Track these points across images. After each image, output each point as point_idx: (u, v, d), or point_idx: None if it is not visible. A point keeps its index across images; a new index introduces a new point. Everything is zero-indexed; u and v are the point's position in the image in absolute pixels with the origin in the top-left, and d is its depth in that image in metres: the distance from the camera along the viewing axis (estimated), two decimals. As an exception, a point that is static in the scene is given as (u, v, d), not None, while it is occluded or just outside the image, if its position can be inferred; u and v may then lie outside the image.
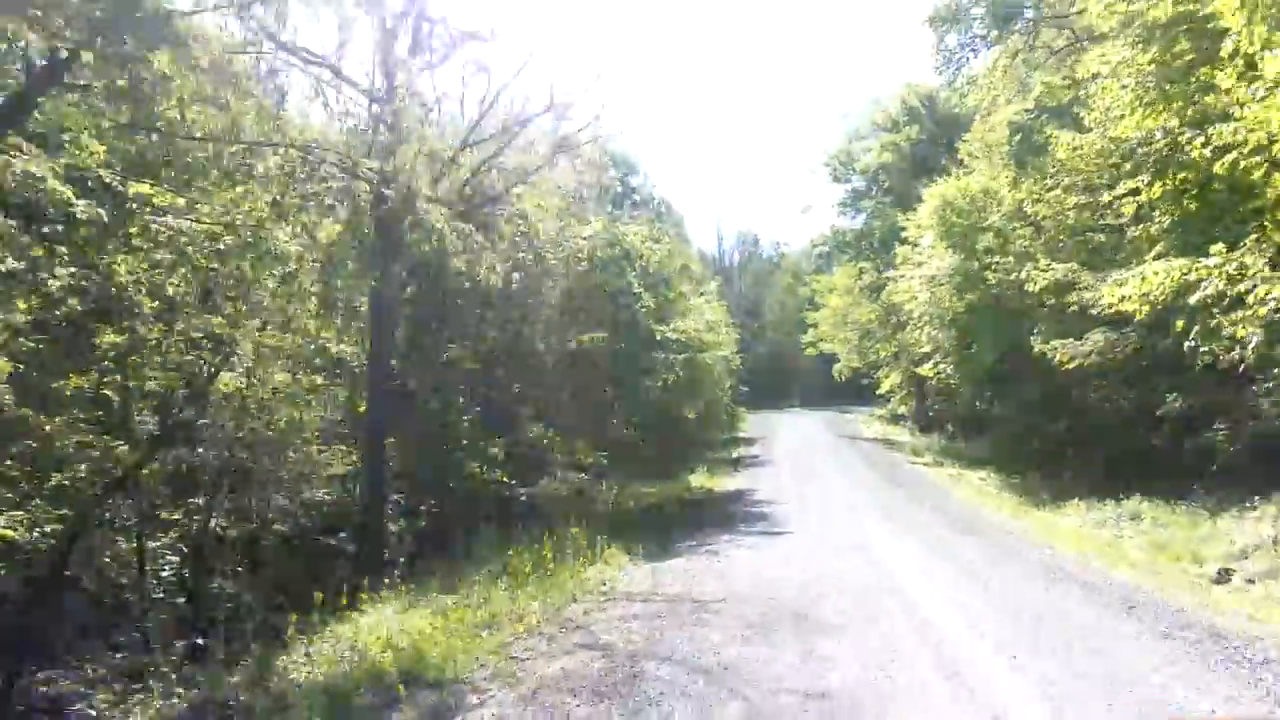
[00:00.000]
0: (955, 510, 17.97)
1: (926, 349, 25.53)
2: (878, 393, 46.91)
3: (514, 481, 18.13)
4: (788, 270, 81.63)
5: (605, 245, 20.92)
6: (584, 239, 19.55)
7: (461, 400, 18.54)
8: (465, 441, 17.70)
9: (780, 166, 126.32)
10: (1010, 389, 24.09)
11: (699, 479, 24.42)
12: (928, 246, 25.41)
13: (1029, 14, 24.39)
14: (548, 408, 20.34)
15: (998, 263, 21.52)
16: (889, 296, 28.93)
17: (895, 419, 48.81)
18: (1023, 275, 19.60)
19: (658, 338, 22.98)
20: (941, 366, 25.47)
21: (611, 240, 21.37)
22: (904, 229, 29.20)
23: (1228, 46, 10.03)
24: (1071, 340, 17.95)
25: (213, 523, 11.18)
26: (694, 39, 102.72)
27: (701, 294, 40.84)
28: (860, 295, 44.55)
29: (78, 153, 8.14)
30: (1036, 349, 18.82)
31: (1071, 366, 18.14)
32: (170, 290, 9.39)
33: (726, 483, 24.27)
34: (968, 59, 26.60)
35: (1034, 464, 23.63)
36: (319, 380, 13.97)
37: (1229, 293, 10.55)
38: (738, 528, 16.12)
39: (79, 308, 8.32)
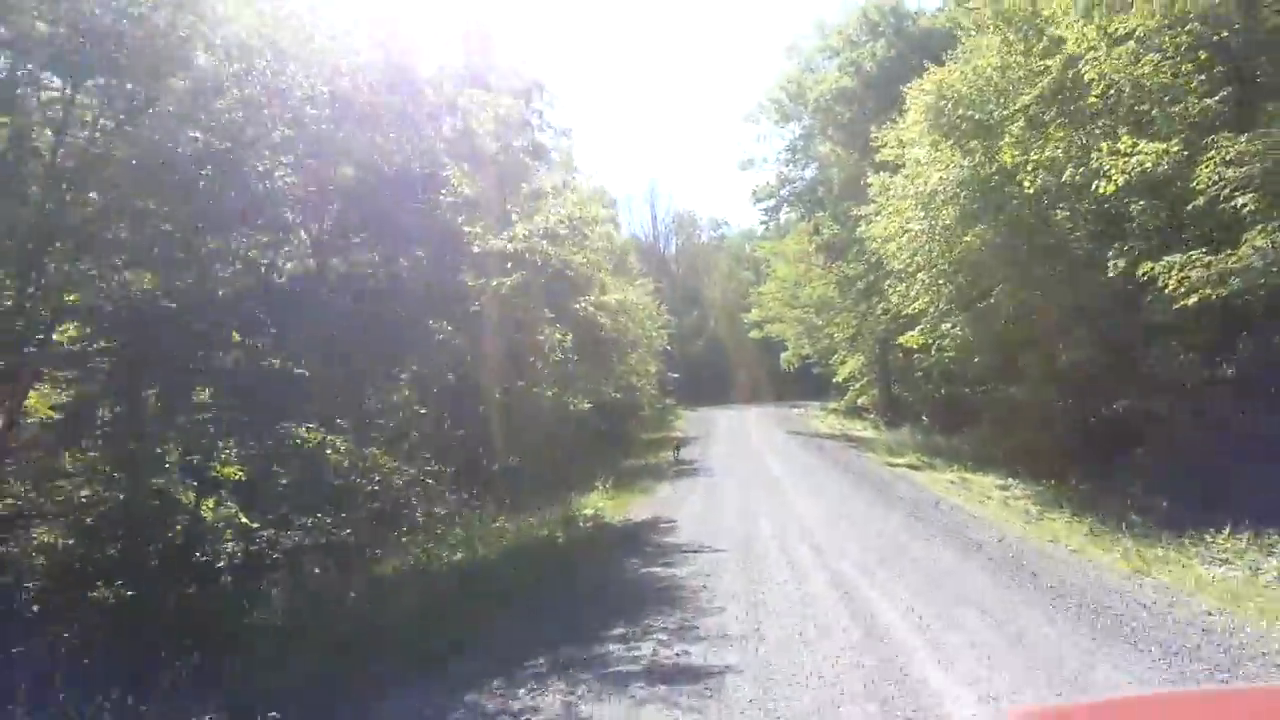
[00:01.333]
0: (1028, 559, 10.20)
1: (920, 305, 17.91)
2: (835, 381, 39.65)
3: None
4: (729, 253, 74.35)
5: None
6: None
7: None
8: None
9: (720, 144, 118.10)
10: (1032, 360, 16.81)
11: (598, 500, 16.46)
12: (916, 160, 17.84)
13: None
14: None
15: (1033, 162, 14.09)
16: (869, 239, 21.36)
17: (853, 412, 41.67)
18: (1092, 164, 12.16)
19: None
20: (942, 330, 17.90)
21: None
22: (867, 178, 21.96)
23: None
24: (1201, 255, 10.53)
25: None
26: (627, 12, 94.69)
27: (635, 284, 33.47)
28: (814, 261, 37.27)
29: None
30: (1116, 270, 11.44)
31: (1192, 302, 10.77)
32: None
33: (636, 505, 16.34)
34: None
35: (1069, 466, 16.43)
36: None
37: None
38: (608, 634, 7.68)
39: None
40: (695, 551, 11.08)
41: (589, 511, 15.16)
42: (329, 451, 11.81)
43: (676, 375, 42.99)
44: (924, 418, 31.07)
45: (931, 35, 27.57)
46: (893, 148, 20.00)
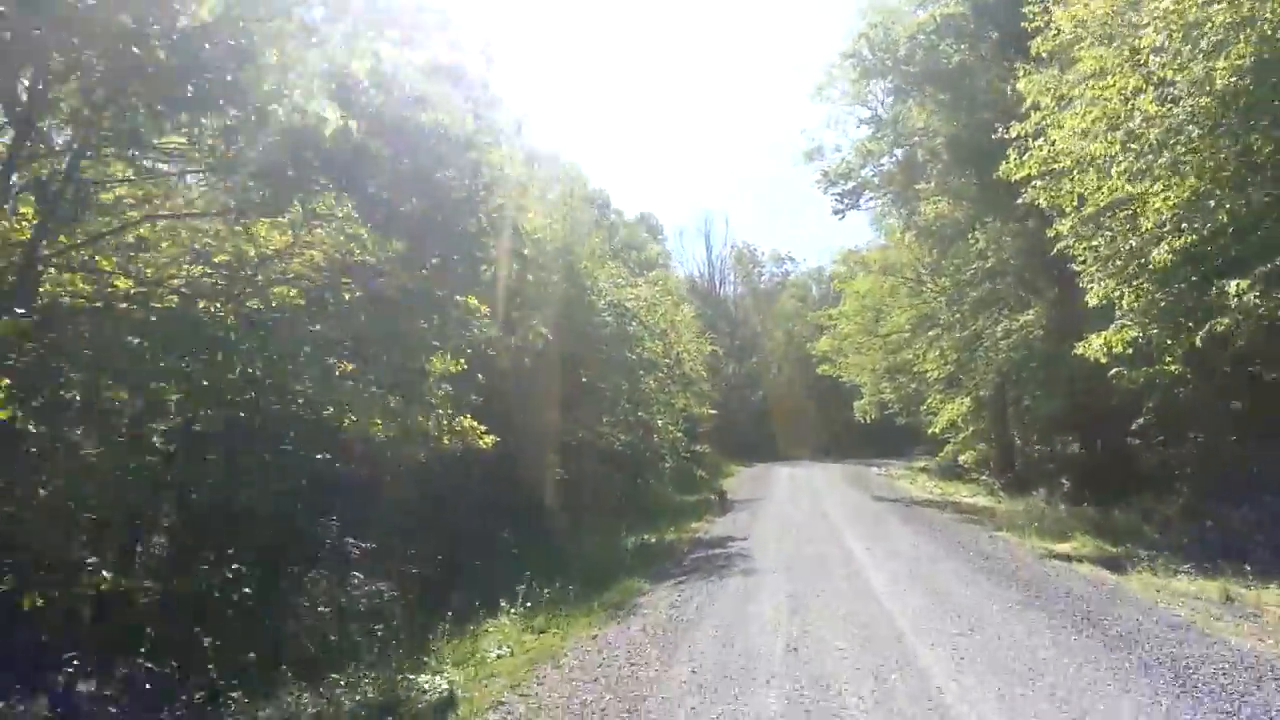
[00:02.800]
0: None
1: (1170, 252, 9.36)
2: (931, 432, 30.70)
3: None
4: (794, 293, 65.99)
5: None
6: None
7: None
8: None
9: (783, 181, 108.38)
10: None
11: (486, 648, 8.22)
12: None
13: None
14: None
15: None
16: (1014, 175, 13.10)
17: (950, 471, 32.67)
18: None
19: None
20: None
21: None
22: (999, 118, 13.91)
23: None
24: None
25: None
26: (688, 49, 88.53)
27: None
28: (902, 274, 28.95)
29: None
30: None
31: None
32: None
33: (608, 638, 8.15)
34: None
35: None
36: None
37: None
38: None
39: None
40: None
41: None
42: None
43: (715, 412, 34.72)
44: (1063, 480, 22.11)
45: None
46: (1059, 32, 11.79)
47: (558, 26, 63.62)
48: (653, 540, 16.18)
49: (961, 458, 30.24)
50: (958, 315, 23.63)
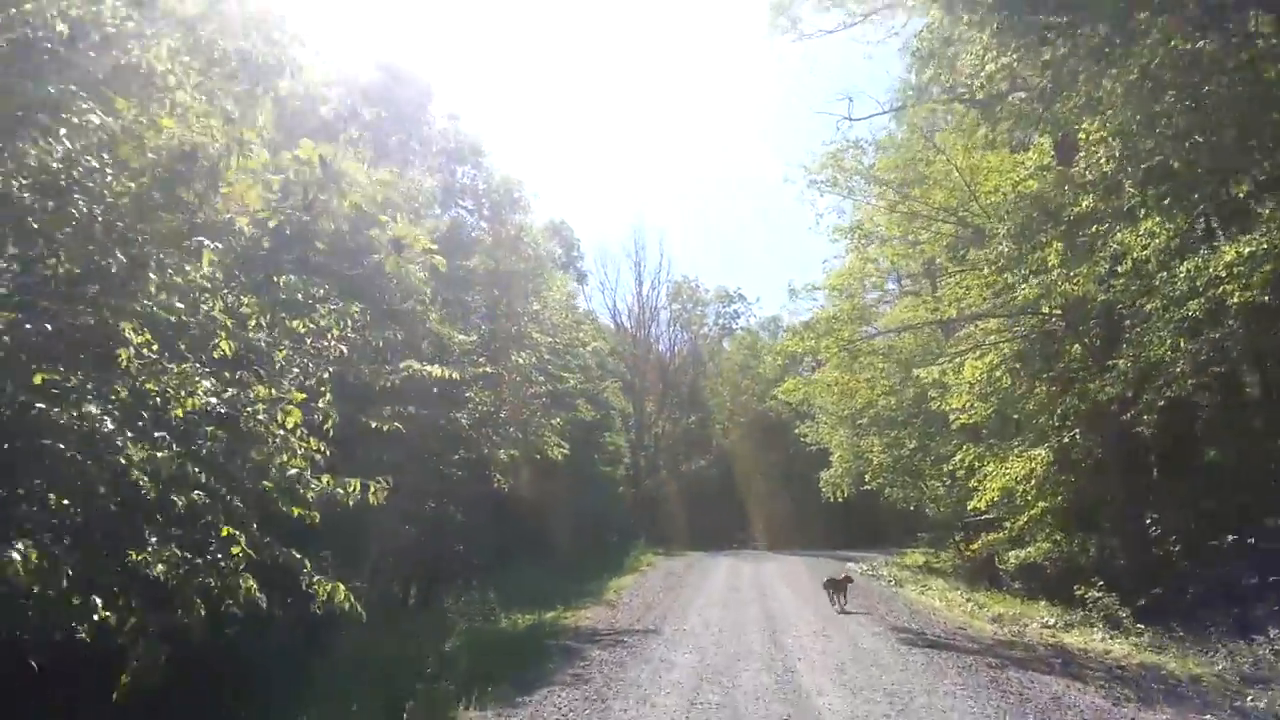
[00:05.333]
0: None
1: None
2: (975, 507, 18.08)
3: None
4: (744, 340, 54.21)
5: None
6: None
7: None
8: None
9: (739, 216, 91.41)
10: None
11: None
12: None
13: None
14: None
15: None
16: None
17: (984, 576, 20.53)
18: None
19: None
20: None
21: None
22: None
23: None
24: None
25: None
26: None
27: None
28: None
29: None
30: None
31: None
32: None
33: None
34: None
35: None
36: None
37: None
38: None
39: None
40: None
41: None
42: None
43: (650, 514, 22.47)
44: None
45: None
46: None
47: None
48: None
49: (1017, 555, 17.82)
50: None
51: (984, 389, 16.58)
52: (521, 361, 15.73)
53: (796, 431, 36.12)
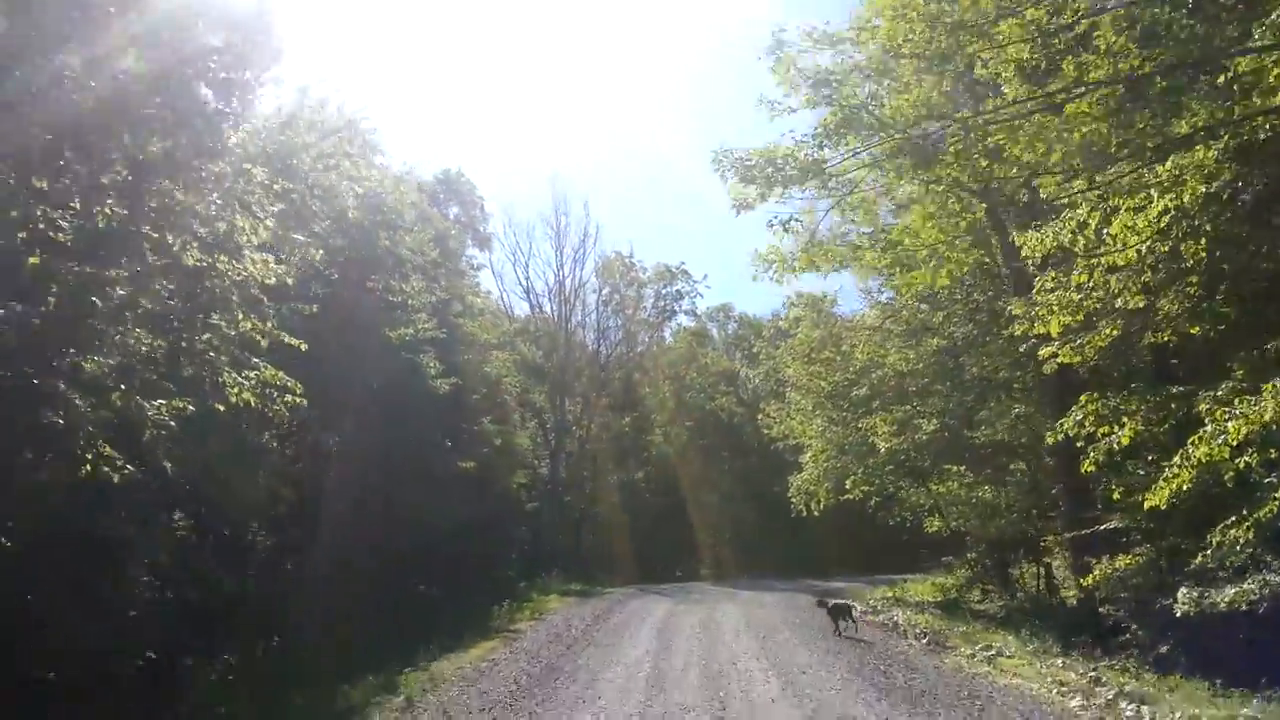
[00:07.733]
0: None
1: None
2: (1154, 505, 9.50)
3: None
4: (690, 332, 45.44)
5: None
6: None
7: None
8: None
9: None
10: None
11: None
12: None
13: None
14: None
15: None
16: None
17: (1084, 633, 12.21)
18: None
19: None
20: None
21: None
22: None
23: None
24: None
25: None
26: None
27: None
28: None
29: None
30: None
31: None
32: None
33: None
34: None
35: None
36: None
37: None
38: None
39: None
40: None
41: None
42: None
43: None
44: None
45: None
46: None
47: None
48: None
49: (1195, 596, 9.30)
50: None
51: (1154, 259, 8.12)
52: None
53: (759, 421, 27.49)
